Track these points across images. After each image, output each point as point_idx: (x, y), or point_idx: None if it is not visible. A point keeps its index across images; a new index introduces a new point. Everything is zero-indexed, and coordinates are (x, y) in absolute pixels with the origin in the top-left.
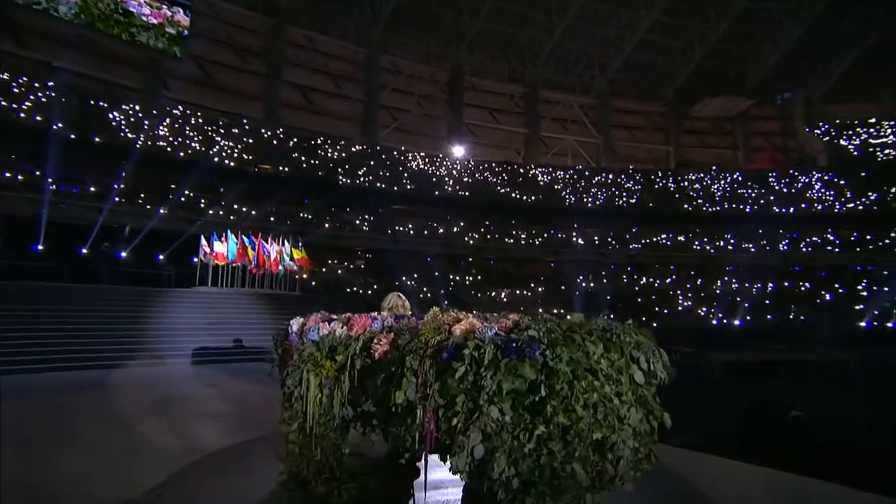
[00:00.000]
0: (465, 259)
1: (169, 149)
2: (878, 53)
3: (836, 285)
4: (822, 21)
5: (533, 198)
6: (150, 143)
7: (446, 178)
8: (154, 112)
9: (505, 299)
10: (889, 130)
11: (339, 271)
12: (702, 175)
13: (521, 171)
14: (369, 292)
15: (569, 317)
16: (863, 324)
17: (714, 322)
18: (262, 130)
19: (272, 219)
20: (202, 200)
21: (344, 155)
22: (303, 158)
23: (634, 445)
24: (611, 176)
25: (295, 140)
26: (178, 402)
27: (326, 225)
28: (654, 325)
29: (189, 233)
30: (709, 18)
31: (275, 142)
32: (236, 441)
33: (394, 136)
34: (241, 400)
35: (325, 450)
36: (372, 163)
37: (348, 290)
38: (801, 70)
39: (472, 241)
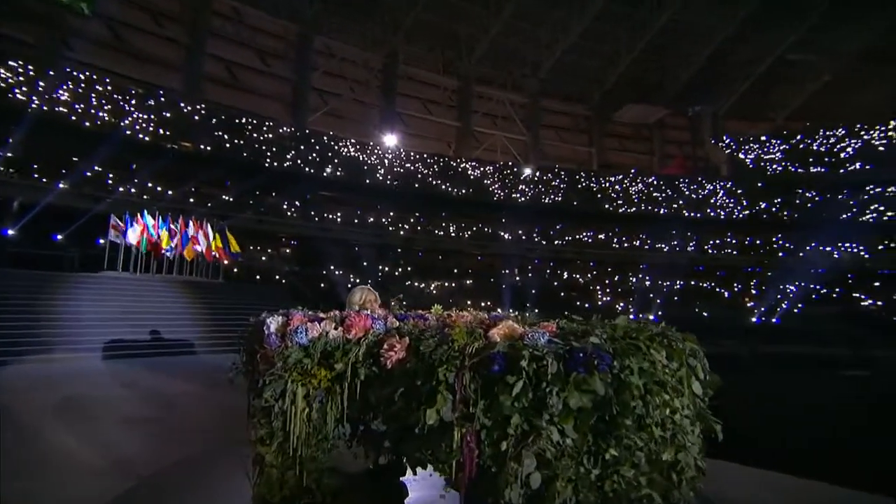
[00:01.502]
0: (394, 250)
1: (73, 117)
2: (772, 77)
3: (734, 284)
4: (729, 43)
5: (463, 191)
6: (46, 107)
7: (378, 167)
8: (52, 73)
9: (434, 291)
10: (776, 148)
11: (264, 258)
12: (621, 177)
13: (453, 164)
14: (295, 280)
15: (617, 319)
16: (753, 319)
17: (631, 316)
18: (182, 104)
19: (191, 200)
20: (111, 176)
21: (271, 136)
22: (226, 137)
23: (698, 464)
24: (538, 173)
25: (221, 118)
26: (91, 406)
27: (250, 209)
28: (577, 318)
29: (95, 211)
30: (635, 28)
31: (196, 118)
32: (176, 457)
33: (324, 121)
34: (169, 401)
35: (311, 473)
36: (301, 147)
37: (276, 277)
38: (710, 86)
39: (402, 232)
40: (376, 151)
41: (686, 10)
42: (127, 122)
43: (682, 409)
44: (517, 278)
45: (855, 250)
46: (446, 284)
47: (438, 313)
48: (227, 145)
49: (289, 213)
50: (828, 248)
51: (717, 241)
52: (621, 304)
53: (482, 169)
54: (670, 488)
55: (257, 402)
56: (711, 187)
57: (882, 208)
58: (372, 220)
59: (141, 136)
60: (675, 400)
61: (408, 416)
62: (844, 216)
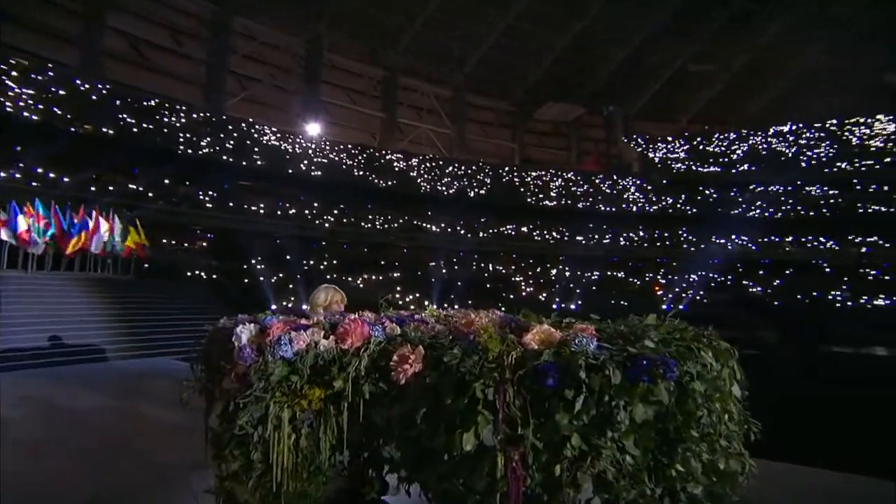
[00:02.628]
0: (319, 242)
1: None
2: (677, 83)
3: (646, 274)
4: (641, 49)
5: (389, 183)
6: None
7: (300, 157)
8: None
9: (361, 285)
10: (680, 148)
11: (179, 252)
12: (542, 172)
13: (378, 155)
14: (214, 276)
15: (648, 317)
16: (664, 306)
17: (554, 306)
18: (78, 82)
19: (92, 188)
20: None
21: (184, 121)
22: (133, 121)
23: (750, 469)
24: (463, 167)
25: (126, 99)
26: None
27: (162, 199)
28: (503, 308)
29: None
30: (556, 29)
31: (95, 97)
32: (96, 489)
33: (243, 107)
34: (79, 418)
35: None
36: (219, 134)
37: (194, 272)
38: (624, 88)
39: (326, 224)
40: (299, 140)
41: (603, 14)
42: (9, 96)
43: (732, 413)
44: (444, 270)
45: (744, 243)
46: (373, 277)
47: (434, 314)
48: (135, 129)
49: (205, 204)
50: (722, 241)
51: (630, 234)
52: (544, 295)
53: (408, 161)
54: (728, 498)
55: (222, 429)
56: (624, 183)
57: (764, 205)
58: (295, 211)
59: (28, 114)
60: (731, 405)
61: (431, 440)
62: (735, 212)
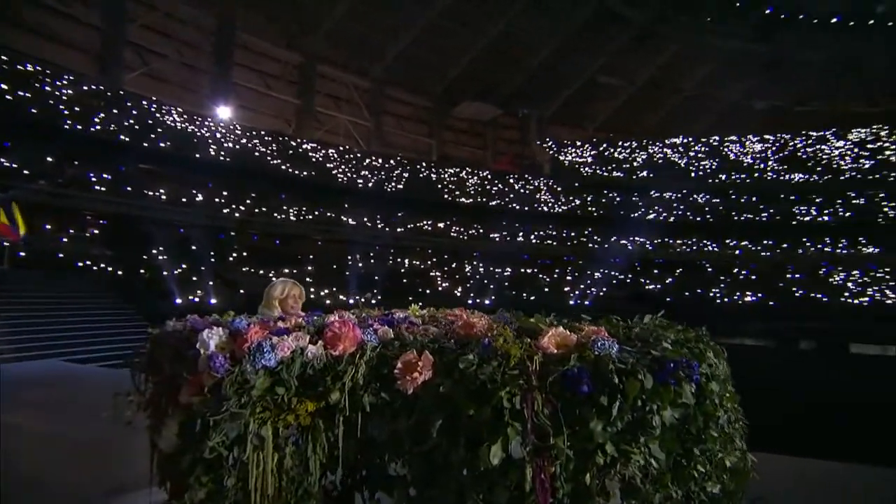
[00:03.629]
0: (227, 233)
1: None
2: (587, 91)
3: (554, 271)
4: (556, 55)
5: (304, 173)
6: None
7: (209, 141)
8: None
9: (273, 278)
10: (587, 153)
11: (65, 240)
12: (458, 170)
13: (293, 143)
14: (108, 267)
15: (645, 319)
16: (571, 302)
17: (469, 301)
18: None
19: None
20: None
21: (71, 93)
22: (4, 87)
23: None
24: (380, 160)
25: None
26: None
27: (45, 179)
28: (419, 304)
29: None
30: (476, 29)
31: None
32: None
33: (145, 83)
34: None
35: None
36: (114, 110)
37: (80, 264)
38: (539, 92)
39: (237, 214)
40: (208, 124)
41: (521, 20)
42: None
43: (738, 411)
44: (360, 265)
45: (641, 243)
46: (286, 271)
47: (417, 314)
48: (9, 97)
49: (98, 187)
50: (623, 241)
51: (541, 233)
52: (459, 290)
53: (325, 151)
54: (739, 494)
55: (182, 451)
56: (536, 184)
57: (660, 209)
58: (202, 199)
59: None
60: (733, 401)
61: (447, 454)
62: (635, 215)
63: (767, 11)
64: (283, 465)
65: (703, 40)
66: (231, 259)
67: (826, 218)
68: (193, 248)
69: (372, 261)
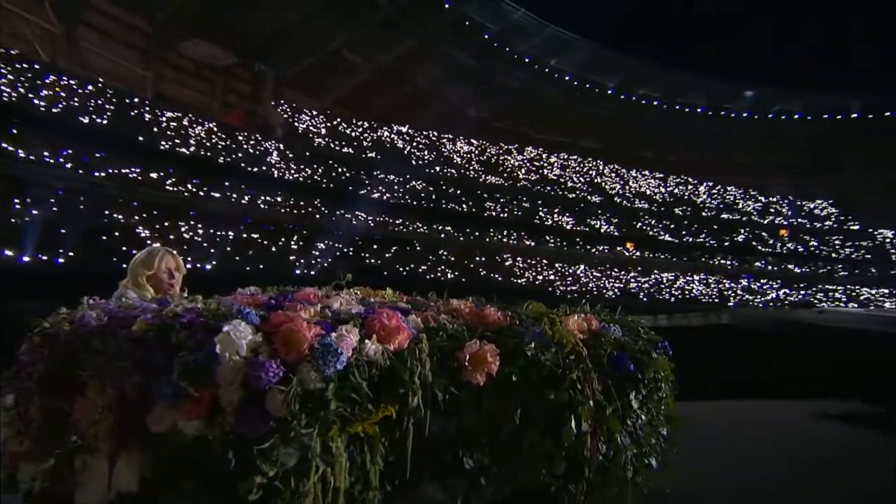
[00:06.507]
0: None
1: None
2: (330, 63)
3: (280, 239)
4: (308, 18)
5: None
6: None
7: None
8: None
9: None
10: (321, 124)
11: None
12: (179, 114)
13: None
14: None
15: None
16: (297, 272)
17: (187, 266)
18: None
19: None
20: None
21: None
22: None
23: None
24: (74, 81)
25: None
26: None
27: None
28: (123, 265)
29: None
30: None
31: None
32: None
33: None
34: None
35: None
36: None
37: None
38: (282, 51)
39: None
40: None
41: None
42: None
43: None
44: (36, 212)
45: (363, 219)
46: None
47: (391, 298)
48: None
49: None
50: (348, 216)
51: (269, 198)
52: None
53: None
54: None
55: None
56: (267, 146)
57: (383, 189)
58: None
59: None
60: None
61: (521, 438)
62: (361, 192)
63: (486, 37)
64: (348, 480)
65: (437, 45)
66: None
67: (504, 214)
68: None
69: (55, 208)
